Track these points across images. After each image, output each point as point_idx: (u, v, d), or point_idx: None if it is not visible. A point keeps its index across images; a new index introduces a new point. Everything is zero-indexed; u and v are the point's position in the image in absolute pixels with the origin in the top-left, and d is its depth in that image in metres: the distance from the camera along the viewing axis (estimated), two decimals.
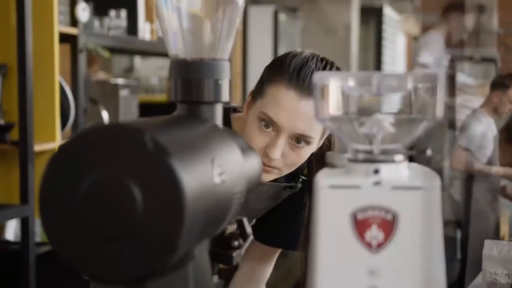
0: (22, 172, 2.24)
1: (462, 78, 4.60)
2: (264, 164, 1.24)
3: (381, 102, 0.74)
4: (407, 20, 8.56)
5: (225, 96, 0.80)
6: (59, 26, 2.46)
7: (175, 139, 0.63)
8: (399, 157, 0.69)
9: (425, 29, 9.74)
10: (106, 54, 2.71)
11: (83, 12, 2.54)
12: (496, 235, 4.00)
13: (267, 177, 1.28)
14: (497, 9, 7.94)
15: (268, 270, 1.49)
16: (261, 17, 4.83)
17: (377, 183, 0.66)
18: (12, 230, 2.58)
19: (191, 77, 0.78)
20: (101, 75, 3.98)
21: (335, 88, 0.69)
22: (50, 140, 2.41)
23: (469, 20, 4.31)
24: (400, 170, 0.68)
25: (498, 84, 4.13)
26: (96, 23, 2.87)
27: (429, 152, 0.67)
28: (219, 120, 0.79)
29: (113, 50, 3.14)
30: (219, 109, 0.79)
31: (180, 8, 0.79)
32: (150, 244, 0.59)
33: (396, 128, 0.69)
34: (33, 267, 2.30)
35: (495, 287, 1.90)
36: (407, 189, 0.65)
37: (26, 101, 2.24)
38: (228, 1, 0.80)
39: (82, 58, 2.59)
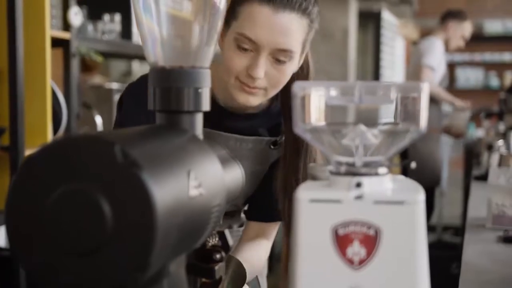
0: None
1: None
2: (248, 86, 1.22)
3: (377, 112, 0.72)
4: (405, 25, 8.55)
5: (205, 105, 0.77)
6: (52, 30, 2.43)
7: (148, 151, 0.60)
8: (382, 169, 0.66)
9: (424, 33, 9.75)
10: (99, 58, 2.68)
11: (76, 16, 2.51)
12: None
13: (254, 100, 1.25)
14: None
15: (269, 247, 1.45)
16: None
17: (359, 197, 0.64)
18: (2, 236, 2.56)
19: (171, 85, 0.75)
20: (97, 79, 3.95)
21: (316, 98, 0.67)
22: (41, 145, 2.39)
23: (467, 28, 4.36)
24: (383, 183, 0.66)
25: (455, 16, 4.28)
26: (90, 27, 2.85)
27: (413, 165, 0.65)
28: (199, 129, 0.77)
29: (107, 55, 3.12)
30: (199, 119, 0.77)
31: (159, 14, 0.77)
32: (120, 261, 0.56)
33: (379, 139, 0.67)
34: (23, 273, 2.27)
35: (502, 220, 1.79)
36: (390, 204, 0.63)
37: (17, 106, 2.22)
38: (209, 5, 0.78)
39: (75, 63, 2.56)
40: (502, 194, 1.85)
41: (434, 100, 4.31)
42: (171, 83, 0.75)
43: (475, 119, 9.65)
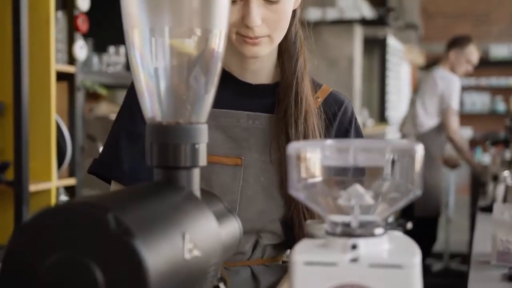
0: (17, 213, 2.21)
1: None
2: (250, 38, 1.15)
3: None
4: (411, 50, 8.57)
5: (202, 161, 0.77)
6: (57, 64, 2.45)
7: (142, 216, 0.60)
8: (378, 230, 0.66)
9: (430, 58, 9.77)
10: (103, 92, 2.70)
11: (81, 50, 2.53)
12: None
13: (261, 50, 1.17)
14: None
15: None
16: None
17: (354, 260, 0.63)
18: None
19: (168, 141, 0.75)
20: (104, 107, 3.97)
21: (310, 159, 0.67)
22: (46, 179, 2.39)
23: (471, 53, 4.37)
24: (379, 245, 0.65)
25: (454, 44, 4.32)
26: (95, 59, 2.87)
27: (409, 225, 0.64)
28: (196, 185, 0.77)
29: (112, 86, 3.13)
30: (196, 174, 0.77)
31: (157, 68, 0.77)
32: None
33: (375, 200, 0.66)
34: None
35: (507, 257, 1.76)
36: (386, 267, 0.62)
37: (22, 141, 2.23)
38: (206, 58, 0.78)
39: (80, 96, 2.57)
40: (507, 230, 1.83)
41: (439, 129, 4.31)
42: (168, 139, 0.75)
43: (482, 144, 9.63)
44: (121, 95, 4.84)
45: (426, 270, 5.11)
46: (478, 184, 4.47)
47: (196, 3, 0.75)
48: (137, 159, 1.18)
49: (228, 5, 0.77)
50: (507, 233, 1.82)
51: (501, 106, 9.88)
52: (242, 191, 1.20)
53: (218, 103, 1.24)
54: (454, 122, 4.21)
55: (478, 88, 9.96)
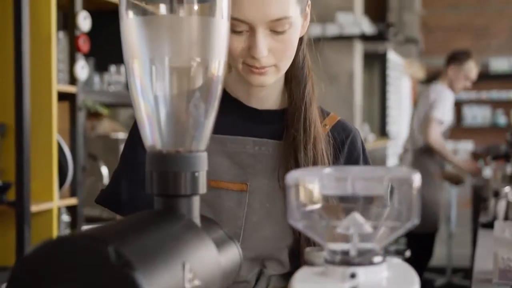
0: (19, 234, 2.21)
1: None
2: (256, 68, 1.14)
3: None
4: (411, 64, 8.60)
5: (202, 188, 0.78)
6: (58, 84, 2.46)
7: (141, 247, 0.61)
8: (377, 258, 0.66)
9: (430, 72, 9.80)
10: (104, 111, 2.71)
11: (82, 70, 2.55)
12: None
13: (268, 79, 1.16)
14: None
15: None
16: None
17: None
18: None
19: (168, 170, 0.76)
20: (106, 125, 3.98)
21: (309, 188, 0.67)
22: (47, 200, 2.40)
23: (470, 69, 4.39)
24: (378, 273, 0.66)
25: (453, 60, 4.33)
26: (96, 78, 2.88)
27: (408, 253, 0.65)
28: (196, 213, 0.77)
29: (114, 105, 3.15)
30: (196, 202, 0.78)
31: (157, 98, 0.78)
32: None
33: (374, 229, 0.67)
34: None
35: (509, 275, 1.75)
36: None
37: (23, 161, 2.23)
38: (207, 86, 0.79)
39: (81, 116, 2.58)
40: (508, 248, 1.83)
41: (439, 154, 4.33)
42: (168, 167, 0.76)
43: (483, 157, 9.63)
44: (123, 113, 4.86)
45: (429, 285, 5.09)
46: (479, 199, 4.46)
47: (195, 34, 0.76)
48: (137, 190, 1.19)
49: (227, 35, 0.78)
50: (508, 251, 1.82)
51: (502, 119, 9.90)
52: (247, 216, 1.19)
53: (225, 129, 1.25)
54: (432, 129, 4.20)
55: (479, 102, 9.98)
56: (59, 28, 2.60)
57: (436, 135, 4.20)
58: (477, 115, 10.05)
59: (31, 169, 2.29)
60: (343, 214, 0.68)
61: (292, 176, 0.68)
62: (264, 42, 1.12)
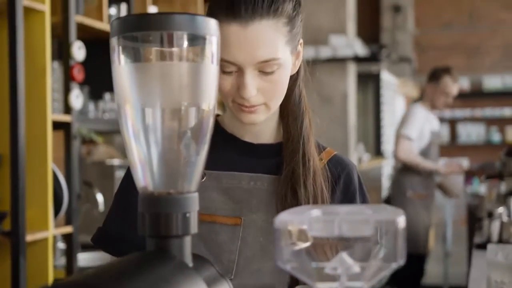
0: (14, 264, 2.22)
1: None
2: (245, 106, 1.15)
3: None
4: (405, 84, 8.65)
5: (194, 228, 0.80)
6: (53, 114, 2.48)
7: None
8: None
9: (424, 91, 9.85)
10: (99, 140, 2.73)
11: (77, 99, 2.57)
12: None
13: (258, 117, 1.17)
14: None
15: None
16: None
17: None
18: None
19: (159, 211, 0.78)
20: (102, 150, 4.00)
21: (297, 230, 0.69)
22: (43, 229, 2.41)
23: (446, 85, 4.38)
24: None
25: (430, 77, 4.36)
26: (91, 106, 2.90)
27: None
28: (187, 252, 0.79)
29: (108, 132, 3.17)
30: (188, 242, 0.79)
31: (148, 141, 0.80)
32: None
33: (361, 268, 0.69)
34: None
35: None
36: None
37: (19, 191, 2.25)
38: (197, 129, 0.81)
39: (76, 145, 2.60)
40: (501, 271, 1.84)
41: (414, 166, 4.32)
42: (159, 209, 0.78)
43: (478, 175, 9.66)
44: (118, 138, 4.87)
45: None
46: (474, 218, 4.48)
47: (185, 79, 0.78)
48: (130, 231, 1.19)
49: (217, 79, 0.80)
50: (501, 274, 1.83)
51: (496, 137, 9.95)
52: (240, 250, 1.20)
53: (221, 164, 1.26)
54: (400, 145, 4.23)
55: (473, 119, 10.04)
56: (54, 58, 2.63)
57: (403, 150, 4.22)
58: (471, 133, 10.09)
59: (26, 199, 2.31)
60: (331, 254, 0.70)
61: (281, 219, 0.70)
62: (252, 83, 1.13)
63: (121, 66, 0.77)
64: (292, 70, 1.21)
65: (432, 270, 6.62)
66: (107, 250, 1.28)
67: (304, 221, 0.69)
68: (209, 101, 0.80)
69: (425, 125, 4.32)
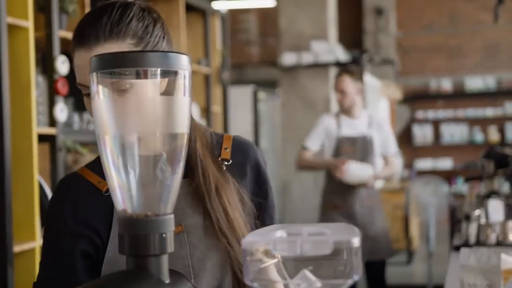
0: (2, 275, 2.27)
1: None
2: None
3: None
4: (388, 86, 8.75)
5: (170, 247, 0.86)
6: (38, 127, 2.54)
7: None
8: None
9: (407, 92, 9.95)
10: (84, 151, 2.78)
11: (62, 112, 2.62)
12: None
13: None
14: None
15: None
16: (241, 96, 4.95)
17: None
18: None
19: (138, 232, 0.84)
20: (88, 158, 4.03)
21: (263, 251, 0.76)
22: (29, 239, 2.46)
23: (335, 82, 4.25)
24: None
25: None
26: (76, 117, 2.96)
27: None
28: (164, 270, 0.85)
29: (93, 143, 3.22)
30: (165, 260, 0.86)
31: (126, 168, 0.86)
32: None
33: (322, 284, 0.75)
34: None
35: None
36: None
37: (5, 204, 2.30)
38: (172, 158, 0.87)
39: (61, 157, 2.66)
40: (474, 274, 1.90)
41: (328, 175, 4.16)
42: (138, 230, 0.84)
43: (462, 174, 9.77)
44: None
45: None
46: (455, 218, 4.55)
47: (159, 111, 0.84)
48: (68, 279, 1.20)
49: (189, 109, 0.87)
50: (474, 277, 1.89)
51: (479, 137, 10.07)
52: (191, 254, 1.25)
53: None
54: (299, 155, 4.14)
55: (456, 120, 10.16)
56: (38, 72, 2.68)
57: (299, 159, 4.14)
58: (454, 133, 10.21)
59: (13, 210, 2.36)
60: (295, 272, 0.76)
61: (248, 240, 0.76)
62: None
63: (100, 99, 0.84)
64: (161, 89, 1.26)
65: (416, 270, 6.71)
66: None
67: (269, 242, 0.76)
68: (183, 128, 0.87)
69: (327, 130, 4.12)
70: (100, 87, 0.84)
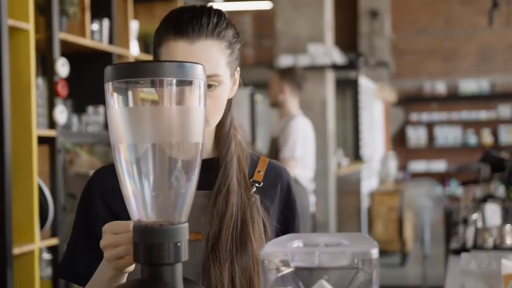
0: (1, 277, 2.26)
1: None
2: None
3: None
4: (383, 89, 8.76)
5: (184, 256, 0.86)
6: (38, 129, 2.53)
7: None
8: None
9: (402, 95, 9.97)
10: (83, 153, 2.78)
11: (61, 114, 2.62)
12: None
13: None
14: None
15: None
16: (238, 98, 4.92)
17: None
18: None
19: (152, 241, 0.84)
20: (84, 159, 4.02)
21: (280, 261, 0.76)
22: (29, 241, 2.45)
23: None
24: None
25: None
26: (75, 119, 2.95)
27: None
28: (179, 278, 0.86)
29: (92, 145, 3.22)
30: (179, 269, 0.86)
31: (141, 178, 0.86)
32: None
33: None
34: None
35: None
36: None
37: (5, 205, 2.29)
38: (186, 167, 0.88)
39: (60, 158, 2.65)
40: (474, 279, 1.91)
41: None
42: (152, 239, 0.84)
43: (456, 177, 9.80)
44: (100, 149, 4.91)
45: None
46: (450, 220, 4.56)
47: (174, 120, 0.85)
48: (94, 259, 1.18)
49: (204, 118, 0.87)
50: (475, 283, 1.90)
51: (472, 139, 10.10)
52: (203, 265, 1.24)
53: None
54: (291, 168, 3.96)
55: (450, 122, 10.18)
56: (38, 74, 2.67)
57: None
58: (448, 136, 10.24)
59: (12, 212, 2.35)
60: (312, 283, 0.77)
61: (266, 251, 0.76)
62: None
63: (115, 109, 0.84)
64: (229, 94, 1.27)
65: (411, 272, 6.72)
66: (72, 281, 1.29)
67: (287, 252, 0.76)
68: (197, 137, 0.87)
69: (303, 134, 4.15)
70: (115, 96, 0.85)
